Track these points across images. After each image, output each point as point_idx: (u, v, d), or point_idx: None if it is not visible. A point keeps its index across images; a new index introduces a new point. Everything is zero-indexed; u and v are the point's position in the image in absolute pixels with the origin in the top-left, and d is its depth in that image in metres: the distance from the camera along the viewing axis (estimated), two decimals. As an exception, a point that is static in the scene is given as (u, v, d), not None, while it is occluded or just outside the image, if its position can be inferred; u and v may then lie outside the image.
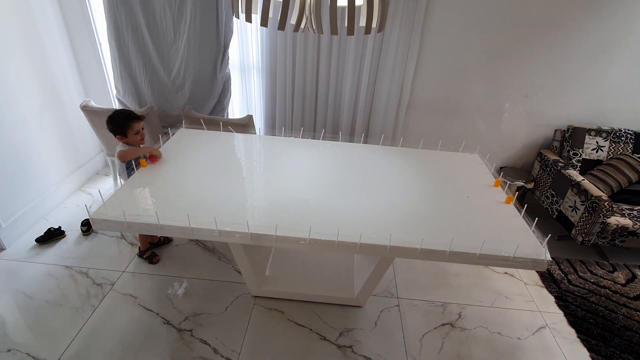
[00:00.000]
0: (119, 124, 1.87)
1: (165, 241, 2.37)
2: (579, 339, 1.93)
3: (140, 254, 2.22)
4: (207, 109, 2.88)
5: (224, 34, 2.61)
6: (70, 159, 2.83)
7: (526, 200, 3.05)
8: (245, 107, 3.05)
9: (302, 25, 1.36)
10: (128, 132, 1.88)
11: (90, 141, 3.01)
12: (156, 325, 1.84)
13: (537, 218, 1.53)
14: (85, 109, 2.42)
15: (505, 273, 2.37)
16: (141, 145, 2.00)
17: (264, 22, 1.25)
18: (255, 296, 2.04)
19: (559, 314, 2.08)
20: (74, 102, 2.76)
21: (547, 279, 2.33)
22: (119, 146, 1.90)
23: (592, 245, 2.52)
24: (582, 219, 2.40)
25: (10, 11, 2.20)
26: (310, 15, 1.34)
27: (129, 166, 1.94)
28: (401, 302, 2.09)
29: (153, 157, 1.83)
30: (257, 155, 2.01)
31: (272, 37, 2.64)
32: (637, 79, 2.70)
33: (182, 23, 2.55)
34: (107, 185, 2.97)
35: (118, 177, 2.05)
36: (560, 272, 2.39)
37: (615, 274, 2.41)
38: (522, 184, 2.87)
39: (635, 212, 2.41)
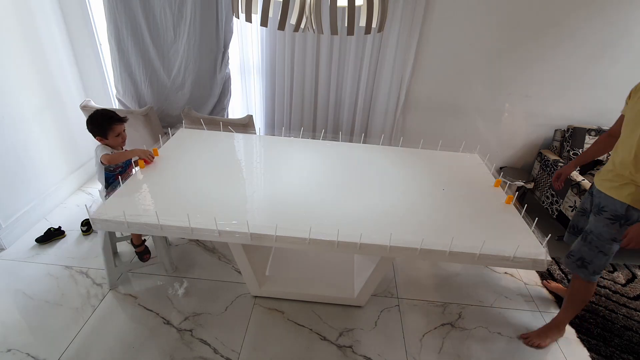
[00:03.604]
0: (99, 125, 1.79)
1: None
2: (579, 339, 1.93)
3: (133, 245, 2.11)
4: (207, 109, 2.88)
5: (224, 34, 2.61)
6: (70, 158, 2.83)
7: (526, 200, 3.05)
8: (245, 107, 3.05)
9: (302, 25, 1.36)
10: (109, 134, 1.80)
11: (90, 141, 2.97)
12: (156, 325, 1.84)
13: (537, 218, 1.53)
14: (85, 108, 2.42)
15: (505, 273, 2.37)
16: (124, 148, 1.92)
17: (264, 22, 1.25)
18: (255, 296, 2.04)
19: (559, 314, 2.08)
20: (74, 102, 2.76)
21: (547, 279, 2.33)
22: (100, 149, 1.82)
23: (592, 245, 2.51)
24: (582, 219, 2.39)
25: (10, 11, 2.20)
26: (310, 15, 1.34)
27: (108, 169, 1.88)
28: (401, 302, 2.08)
29: (146, 161, 1.79)
30: (257, 155, 2.01)
31: (272, 37, 2.64)
32: (637, 78, 2.69)
33: (182, 23, 2.55)
34: (107, 185, 2.97)
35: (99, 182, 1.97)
36: (561, 272, 2.39)
37: (615, 274, 2.41)
38: (522, 184, 2.87)
39: (635, 212, 2.41)
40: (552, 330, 1.90)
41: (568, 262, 1.78)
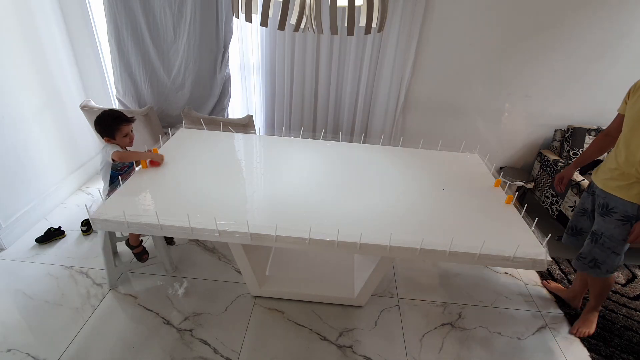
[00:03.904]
0: (107, 125, 1.80)
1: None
2: (579, 339, 1.93)
3: (130, 247, 2.09)
4: (207, 109, 2.88)
5: (224, 34, 2.61)
6: (70, 158, 2.83)
7: (526, 200, 3.05)
8: (245, 107, 3.05)
9: (302, 25, 1.36)
10: (116, 134, 1.81)
11: (90, 141, 3.01)
12: (156, 325, 1.84)
13: (537, 218, 1.53)
14: (85, 108, 2.42)
15: (505, 273, 2.37)
16: (128, 148, 1.93)
17: (264, 22, 1.25)
18: (255, 296, 2.04)
19: (559, 314, 2.08)
20: (74, 102, 2.76)
21: (547, 279, 2.33)
22: (110, 147, 1.82)
23: (592, 245, 2.51)
24: (582, 219, 2.39)
25: (10, 11, 2.20)
26: (310, 15, 1.34)
27: (115, 168, 1.88)
28: (401, 302, 2.08)
29: (154, 162, 1.81)
30: (257, 155, 2.01)
31: (272, 37, 2.64)
32: (637, 78, 2.70)
33: (182, 23, 2.55)
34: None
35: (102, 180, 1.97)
36: (561, 272, 2.39)
37: (616, 274, 2.40)
38: (522, 184, 2.88)
39: (635, 212, 2.41)
40: (591, 314, 1.96)
41: (578, 263, 1.78)
